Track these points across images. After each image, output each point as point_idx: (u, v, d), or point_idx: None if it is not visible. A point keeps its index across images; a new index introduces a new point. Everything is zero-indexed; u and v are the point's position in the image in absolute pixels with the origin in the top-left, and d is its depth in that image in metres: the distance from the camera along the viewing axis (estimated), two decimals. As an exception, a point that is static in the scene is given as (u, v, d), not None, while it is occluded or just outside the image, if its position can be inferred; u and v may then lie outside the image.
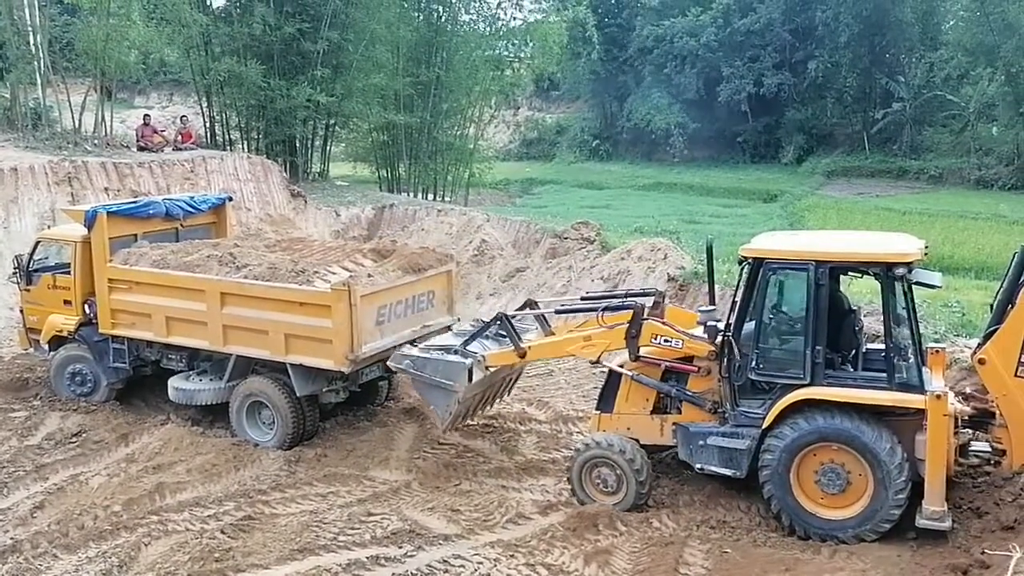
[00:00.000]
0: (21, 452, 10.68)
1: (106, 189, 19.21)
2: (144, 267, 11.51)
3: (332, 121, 28.72)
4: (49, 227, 15.83)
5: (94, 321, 12.05)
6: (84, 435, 11.12)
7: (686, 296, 15.55)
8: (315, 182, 27.68)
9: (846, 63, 47.69)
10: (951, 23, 48.25)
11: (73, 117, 23.37)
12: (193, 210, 13.13)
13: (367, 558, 8.08)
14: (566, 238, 19.84)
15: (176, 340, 11.47)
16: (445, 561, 8.08)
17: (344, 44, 26.49)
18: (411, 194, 30.45)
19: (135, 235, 12.36)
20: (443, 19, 31.89)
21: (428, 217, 23.29)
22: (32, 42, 23.07)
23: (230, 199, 14.42)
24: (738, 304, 8.80)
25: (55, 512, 9.13)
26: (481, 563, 8.05)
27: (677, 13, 51.35)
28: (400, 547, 8.29)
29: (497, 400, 11.31)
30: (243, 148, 26.81)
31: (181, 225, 12.96)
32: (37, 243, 12.94)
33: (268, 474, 10.04)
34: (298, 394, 10.75)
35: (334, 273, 10.89)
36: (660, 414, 9.36)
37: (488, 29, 34.79)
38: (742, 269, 8.78)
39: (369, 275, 10.77)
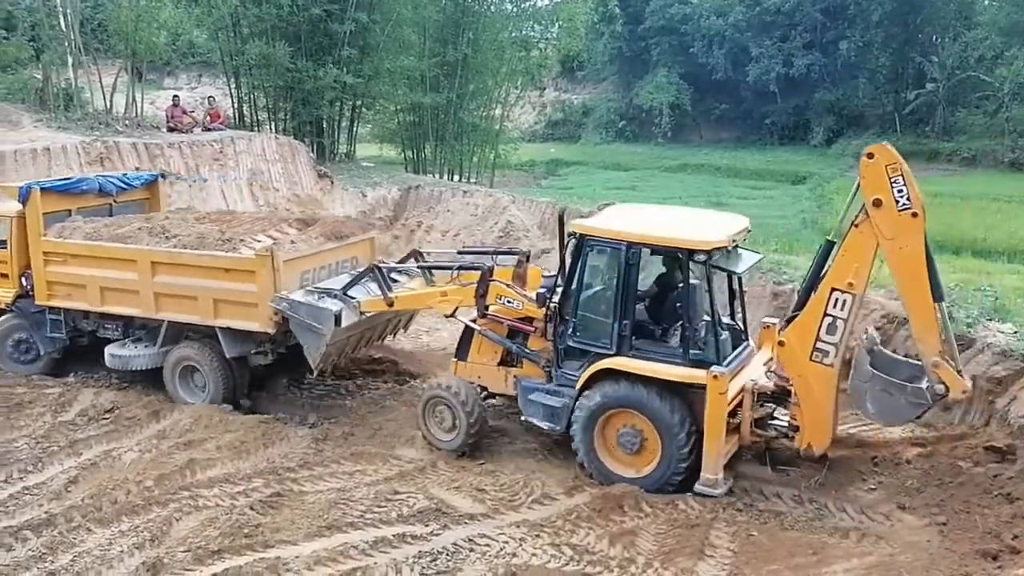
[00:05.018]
0: (55, 428, 10.85)
1: (137, 169, 19.35)
2: (77, 239, 11.89)
3: (359, 102, 28.73)
4: None
5: (31, 293, 12.37)
6: (117, 411, 11.28)
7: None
8: (342, 163, 27.77)
9: (878, 43, 46.94)
10: (986, 2, 47.32)
11: (104, 98, 23.58)
12: (126, 186, 13.43)
13: (393, 536, 8.15)
14: (592, 219, 19.73)
15: (110, 309, 11.87)
16: (471, 540, 8.13)
17: (371, 25, 26.46)
18: (437, 175, 30.46)
19: (69, 211, 12.66)
20: (470, -1, 31.77)
21: (454, 198, 23.28)
22: (63, 23, 23.27)
23: (163, 176, 14.81)
24: (565, 274, 9.55)
25: (88, 487, 9.26)
26: (507, 543, 8.10)
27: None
28: (426, 525, 8.35)
29: (384, 339, 12.33)
30: (271, 129, 26.91)
31: (114, 201, 13.24)
32: None
33: (296, 452, 10.13)
34: (227, 356, 11.23)
35: (259, 241, 11.37)
36: (506, 367, 10.25)
37: (515, 9, 34.60)
38: (570, 243, 9.50)
39: (292, 242, 11.34)
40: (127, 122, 22.96)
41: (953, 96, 44.35)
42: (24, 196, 12.11)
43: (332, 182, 23.92)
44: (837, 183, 37.12)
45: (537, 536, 8.19)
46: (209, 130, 23.18)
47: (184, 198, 19.37)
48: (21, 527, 8.39)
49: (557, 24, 38.02)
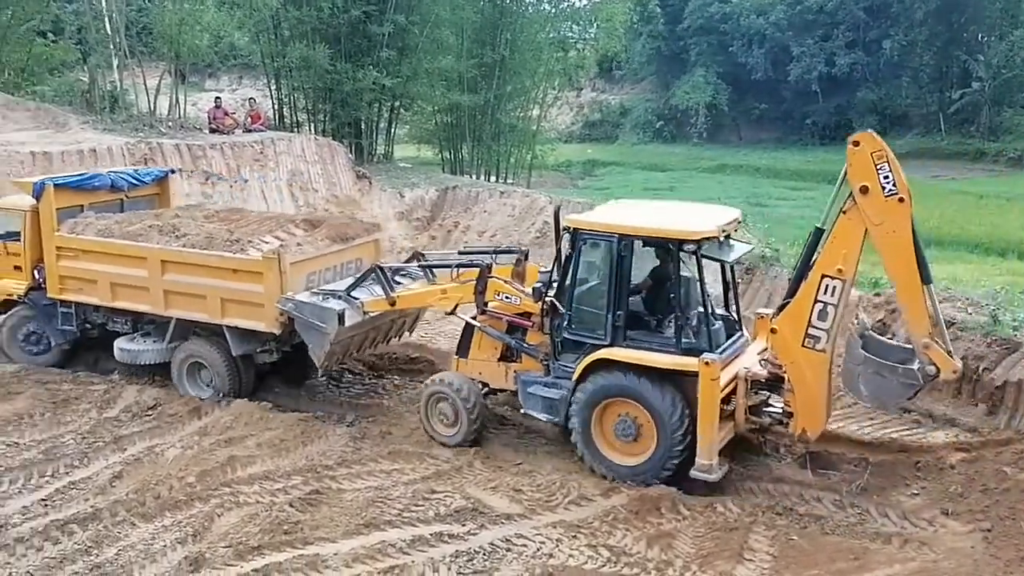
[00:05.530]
0: (100, 424, 11.05)
1: (180, 170, 19.66)
2: (89, 236, 12.13)
3: (397, 103, 28.90)
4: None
5: (43, 286, 12.66)
6: (159, 408, 11.45)
7: (753, 279, 15.30)
8: (380, 164, 27.92)
9: (922, 41, 46.17)
10: (1034, 0, 46.30)
11: (148, 100, 23.99)
12: (137, 182, 13.68)
13: (431, 535, 8.20)
14: (629, 220, 19.63)
15: (120, 304, 12.14)
16: (508, 540, 8.15)
17: (409, 26, 26.59)
18: (474, 176, 30.50)
19: (81, 206, 12.90)
20: (508, 0, 31.75)
21: (491, 199, 23.27)
22: (109, 27, 23.72)
23: (173, 172, 14.99)
24: (561, 268, 9.75)
25: (133, 482, 9.42)
26: (543, 543, 8.11)
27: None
28: (463, 525, 8.39)
29: (394, 339, 12.48)
30: (310, 130, 27.16)
31: (126, 196, 13.48)
32: None
33: (334, 450, 10.22)
34: (234, 354, 11.47)
35: (266, 242, 11.52)
36: (506, 362, 10.43)
37: (553, 10, 34.55)
38: (565, 237, 9.69)
39: (299, 244, 11.51)
40: (170, 123, 23.33)
41: (999, 96, 43.49)
42: (38, 191, 12.40)
43: (370, 183, 24.07)
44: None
45: (574, 537, 8.18)
46: (250, 131, 23.45)
47: (225, 198, 19.65)
48: (67, 521, 8.57)
49: (595, 24, 37.82)
